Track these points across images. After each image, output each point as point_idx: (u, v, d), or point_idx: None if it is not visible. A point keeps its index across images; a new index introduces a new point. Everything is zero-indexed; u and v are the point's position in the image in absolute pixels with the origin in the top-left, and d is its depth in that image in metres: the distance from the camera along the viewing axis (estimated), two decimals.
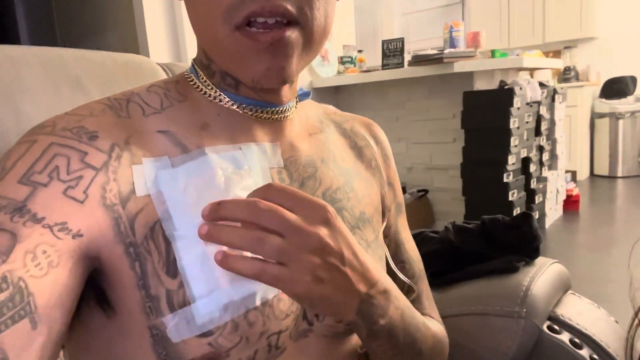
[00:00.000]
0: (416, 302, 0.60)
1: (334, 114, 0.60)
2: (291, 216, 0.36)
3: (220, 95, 0.46)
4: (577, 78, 4.84)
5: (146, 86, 0.47)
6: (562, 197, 3.28)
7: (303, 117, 0.54)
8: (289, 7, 0.38)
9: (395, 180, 0.62)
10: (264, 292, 0.42)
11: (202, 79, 0.47)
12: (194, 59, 0.49)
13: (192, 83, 0.47)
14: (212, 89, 0.46)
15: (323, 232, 0.36)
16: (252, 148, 0.46)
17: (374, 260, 0.50)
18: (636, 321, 0.34)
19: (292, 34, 0.40)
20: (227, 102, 0.46)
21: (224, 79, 0.46)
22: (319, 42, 0.43)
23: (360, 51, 3.22)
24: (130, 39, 2.22)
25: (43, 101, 0.63)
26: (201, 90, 0.46)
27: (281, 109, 0.48)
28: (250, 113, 0.46)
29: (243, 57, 0.41)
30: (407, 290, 0.60)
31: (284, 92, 0.48)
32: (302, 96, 0.53)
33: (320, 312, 0.39)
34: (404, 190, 2.89)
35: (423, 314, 0.60)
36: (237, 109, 0.46)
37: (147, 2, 2.14)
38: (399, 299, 0.45)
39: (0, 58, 0.61)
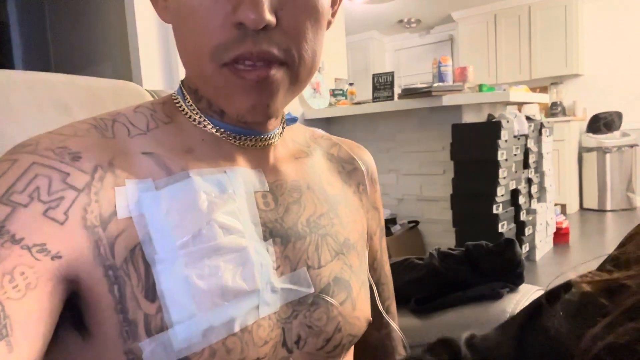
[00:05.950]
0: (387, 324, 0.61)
1: (321, 138, 0.60)
2: None
3: (204, 120, 0.46)
4: (564, 113, 4.94)
5: (133, 107, 0.47)
6: (552, 229, 3.29)
7: (289, 141, 0.54)
8: (276, 52, 0.39)
9: (380, 205, 0.62)
10: (243, 318, 0.41)
11: (189, 102, 0.47)
12: (182, 81, 0.49)
13: (178, 106, 0.47)
14: (197, 113, 0.46)
15: None
16: (237, 172, 0.46)
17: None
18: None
19: (277, 73, 0.41)
20: (211, 128, 0.46)
21: (210, 106, 0.46)
22: (305, 80, 0.44)
23: (351, 84, 3.28)
24: (124, 69, 2.25)
25: (27, 123, 0.63)
26: (187, 114, 0.46)
27: (265, 136, 0.48)
28: (233, 141, 0.46)
29: (230, 93, 0.41)
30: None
31: (270, 121, 0.48)
32: (289, 121, 0.53)
33: None
34: (395, 222, 2.88)
35: (392, 335, 0.61)
36: (221, 136, 0.46)
37: (142, 32, 2.18)
38: None
39: None
